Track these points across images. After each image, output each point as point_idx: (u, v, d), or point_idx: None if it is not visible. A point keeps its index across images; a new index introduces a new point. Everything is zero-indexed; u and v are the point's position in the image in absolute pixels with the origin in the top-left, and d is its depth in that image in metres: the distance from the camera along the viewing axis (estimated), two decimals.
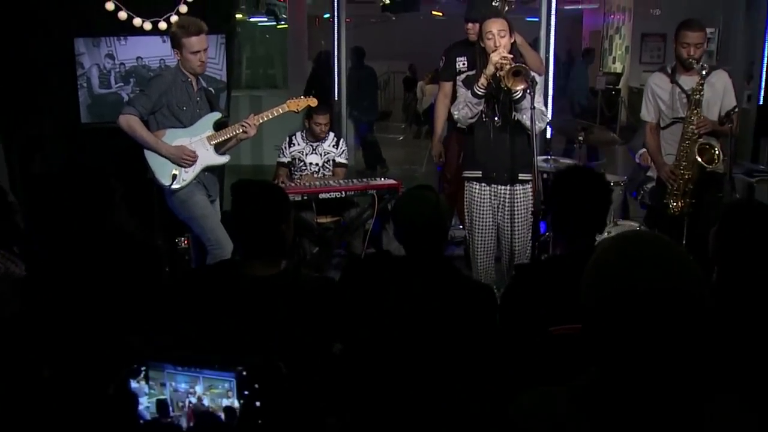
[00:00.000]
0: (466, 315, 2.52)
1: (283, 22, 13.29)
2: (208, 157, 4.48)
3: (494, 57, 4.10)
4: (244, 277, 2.43)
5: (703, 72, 4.42)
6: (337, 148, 5.87)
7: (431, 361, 2.46)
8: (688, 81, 4.58)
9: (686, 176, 4.54)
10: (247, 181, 2.53)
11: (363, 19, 16.65)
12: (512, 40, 4.26)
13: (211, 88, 5.14)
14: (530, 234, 4.41)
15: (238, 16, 13.64)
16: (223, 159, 4.59)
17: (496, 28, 4.18)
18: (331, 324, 2.42)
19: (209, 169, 4.54)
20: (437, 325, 2.45)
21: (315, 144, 5.79)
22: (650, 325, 1.37)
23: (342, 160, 5.91)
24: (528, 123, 4.17)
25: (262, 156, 9.98)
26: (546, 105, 6.72)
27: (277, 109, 4.73)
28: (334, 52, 7.29)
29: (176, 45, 4.35)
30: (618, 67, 16.13)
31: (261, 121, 4.59)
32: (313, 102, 5.07)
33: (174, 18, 5.33)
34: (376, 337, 2.45)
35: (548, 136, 6.52)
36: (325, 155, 5.82)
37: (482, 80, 4.18)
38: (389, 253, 2.59)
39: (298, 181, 5.68)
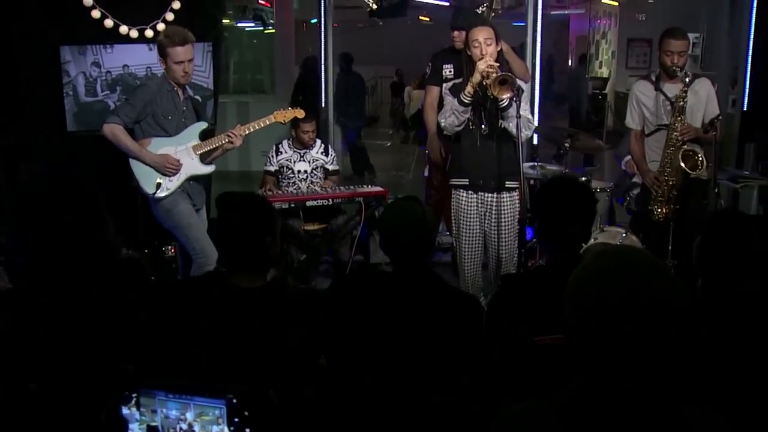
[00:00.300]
0: (453, 326, 2.52)
1: (270, 27, 13.28)
2: (193, 166, 4.47)
3: (480, 65, 4.12)
4: (230, 289, 2.43)
5: (687, 80, 4.46)
6: (326, 156, 5.88)
7: (418, 373, 2.46)
8: (671, 88, 4.63)
9: (670, 182, 4.59)
10: (232, 194, 2.53)
11: (350, 24, 16.66)
12: (499, 48, 4.28)
13: (197, 97, 5.13)
14: (517, 241, 4.42)
15: (226, 21, 13.61)
16: (209, 169, 4.58)
17: (482, 36, 4.21)
18: (318, 336, 2.42)
19: (194, 179, 4.53)
20: (424, 337, 2.46)
21: (303, 151, 5.80)
22: (631, 338, 1.39)
23: (333, 167, 5.92)
24: (514, 131, 4.19)
25: (250, 162, 9.98)
26: (533, 111, 6.76)
27: (263, 120, 4.72)
28: (321, 58, 7.29)
29: (162, 54, 4.34)
30: (604, 72, 16.18)
31: (247, 132, 4.57)
32: (300, 113, 5.08)
33: (161, 26, 5.33)
34: (364, 350, 2.45)
35: (535, 142, 6.54)
36: (313, 162, 5.82)
37: (469, 88, 4.20)
38: (374, 266, 2.59)
39: (286, 189, 5.68)
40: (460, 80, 4.43)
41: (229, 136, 4.49)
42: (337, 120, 10.20)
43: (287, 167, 5.78)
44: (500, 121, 4.31)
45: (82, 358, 1.78)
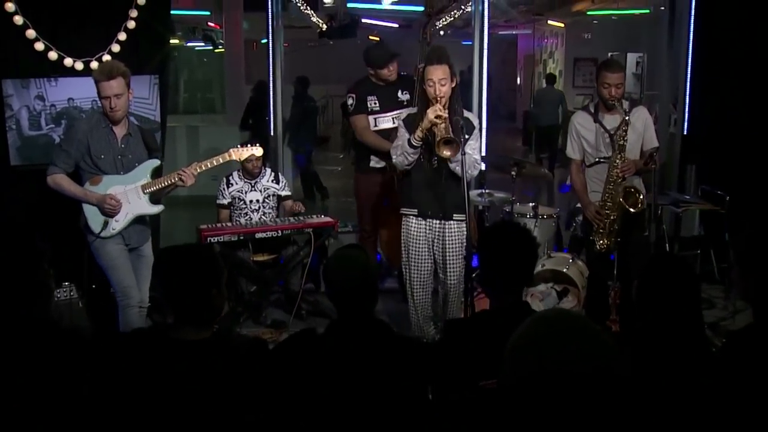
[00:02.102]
0: (401, 374, 2.55)
1: (220, 47, 13.22)
2: (141, 206, 4.41)
3: (430, 114, 4.17)
4: (175, 343, 2.43)
5: (625, 113, 4.56)
6: (277, 183, 5.88)
7: (368, 421, 2.48)
8: (610, 120, 4.74)
9: (611, 217, 4.70)
10: (175, 249, 2.53)
11: (301, 42, 16.68)
12: (453, 85, 4.33)
13: (149, 127, 5.08)
14: (464, 269, 4.49)
15: (175, 41, 13.55)
16: (157, 209, 4.52)
17: (437, 76, 4.24)
18: (264, 387, 2.43)
19: (140, 218, 4.47)
20: (373, 387, 2.48)
21: (253, 181, 5.79)
22: (563, 404, 1.43)
23: (286, 192, 5.94)
24: (459, 172, 4.26)
25: (199, 187, 9.88)
26: (481, 129, 6.86)
27: (218, 159, 4.64)
28: (269, 78, 7.23)
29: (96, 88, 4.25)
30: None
31: (200, 170, 4.49)
32: (258, 151, 5.01)
33: (106, 57, 5.27)
34: (313, 403, 2.46)
35: (483, 167, 6.62)
36: (265, 191, 5.81)
37: (418, 132, 4.26)
38: (314, 330, 2.60)
39: (237, 220, 5.66)
40: (416, 110, 4.47)
41: (180, 174, 4.39)
42: (288, 143, 10.22)
43: (239, 198, 5.76)
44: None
45: None
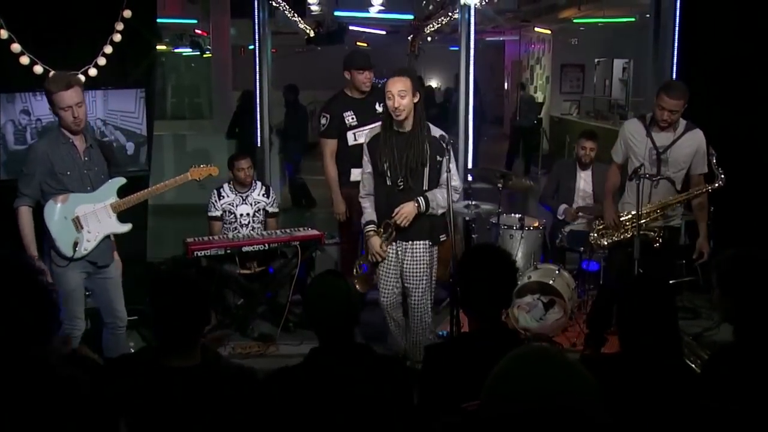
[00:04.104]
0: (384, 395, 2.56)
1: (208, 52, 13.21)
2: (111, 225, 4.33)
3: (375, 248, 4.47)
4: (166, 371, 2.43)
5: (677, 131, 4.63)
6: (267, 198, 5.88)
7: None
8: (662, 137, 4.67)
9: (626, 234, 4.79)
10: (166, 276, 2.52)
11: (289, 48, 16.69)
12: (416, 100, 4.30)
13: (108, 140, 5.04)
14: (430, 287, 4.55)
15: (162, 47, 13.53)
16: (126, 228, 4.43)
17: (396, 88, 4.21)
18: (251, 415, 2.44)
19: (107, 236, 4.37)
20: (358, 411, 2.49)
21: (244, 194, 5.79)
22: None
23: (273, 209, 5.93)
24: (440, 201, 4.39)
25: (187, 195, 9.88)
26: (467, 135, 6.94)
27: (178, 179, 4.57)
28: (256, 85, 7.22)
29: (50, 103, 4.13)
30: (539, 96, 16.55)
31: (160, 191, 4.51)
32: (214, 171, 4.78)
33: (92, 71, 5.27)
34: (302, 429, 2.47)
35: (469, 178, 6.65)
36: (255, 205, 5.82)
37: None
38: (289, 368, 2.59)
39: (225, 234, 5.66)
40: (379, 129, 4.44)
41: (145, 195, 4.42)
42: (279, 151, 10.26)
43: (229, 212, 5.76)
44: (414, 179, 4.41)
45: None
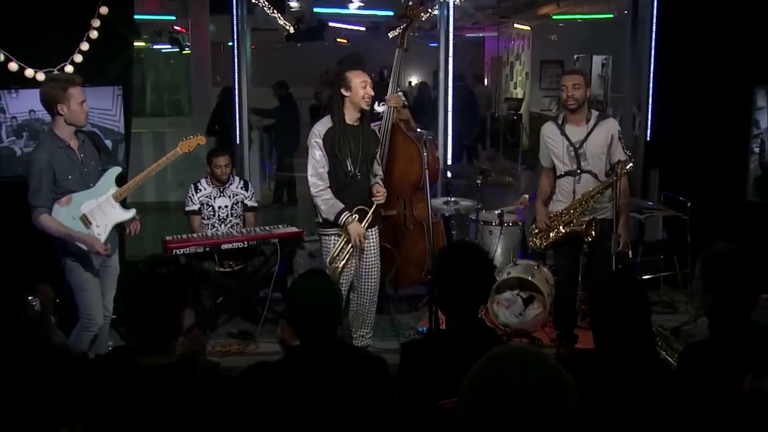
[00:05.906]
0: (366, 392, 2.57)
1: (187, 49, 13.12)
2: (117, 214, 4.41)
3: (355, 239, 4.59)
4: (142, 369, 2.42)
5: (589, 121, 4.76)
6: (246, 191, 5.86)
7: None
8: (574, 131, 4.81)
9: (561, 232, 4.90)
10: (143, 280, 2.52)
11: (268, 44, 16.61)
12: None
13: (95, 130, 5.04)
14: (378, 278, 4.83)
15: (141, 44, 13.42)
16: (130, 214, 4.48)
17: (359, 79, 4.53)
18: (227, 412, 2.44)
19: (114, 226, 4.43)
20: (340, 408, 2.49)
21: (222, 187, 5.77)
22: None
23: (252, 203, 5.91)
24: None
25: (167, 193, 9.86)
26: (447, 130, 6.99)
27: (169, 156, 4.57)
28: (234, 82, 7.21)
29: (58, 101, 4.12)
30: (519, 93, 16.59)
31: (155, 171, 4.52)
32: (202, 140, 4.75)
33: (69, 68, 5.22)
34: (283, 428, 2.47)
35: (448, 175, 6.67)
36: (234, 197, 5.80)
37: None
38: (266, 363, 2.59)
39: (203, 231, 5.63)
40: (331, 123, 4.58)
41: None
42: (273, 146, 10.26)
43: (207, 204, 5.74)
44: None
45: None
